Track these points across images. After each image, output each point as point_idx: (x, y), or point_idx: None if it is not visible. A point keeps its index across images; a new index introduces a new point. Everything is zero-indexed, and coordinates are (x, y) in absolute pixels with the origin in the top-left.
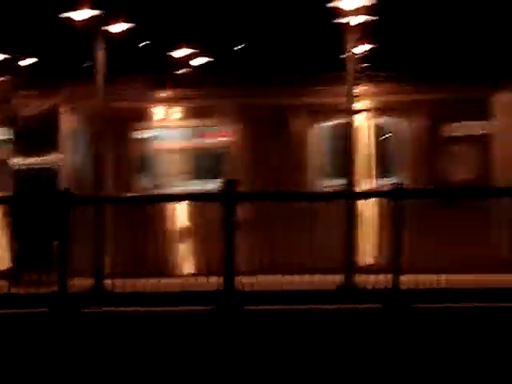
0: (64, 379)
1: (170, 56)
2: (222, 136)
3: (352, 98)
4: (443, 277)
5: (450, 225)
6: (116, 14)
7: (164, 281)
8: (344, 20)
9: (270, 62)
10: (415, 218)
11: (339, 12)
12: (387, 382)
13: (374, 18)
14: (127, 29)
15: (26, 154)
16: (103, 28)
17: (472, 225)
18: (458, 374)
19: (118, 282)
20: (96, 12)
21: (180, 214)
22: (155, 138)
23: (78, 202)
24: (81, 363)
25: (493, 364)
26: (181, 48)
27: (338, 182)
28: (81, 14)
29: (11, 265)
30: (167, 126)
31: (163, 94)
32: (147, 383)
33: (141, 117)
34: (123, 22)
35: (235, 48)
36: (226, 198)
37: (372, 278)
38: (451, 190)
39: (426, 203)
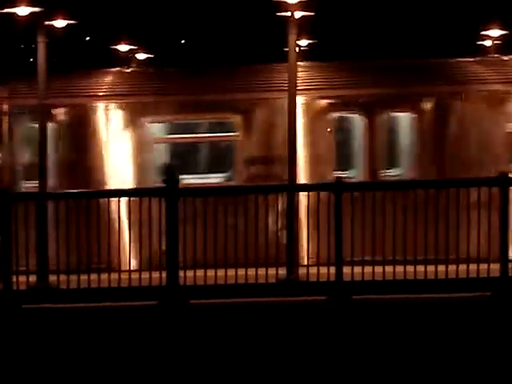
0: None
1: (111, 51)
2: None
3: (294, 91)
4: (386, 269)
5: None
6: (57, 10)
7: (107, 276)
8: (287, 13)
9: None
10: (359, 210)
11: (282, 5)
12: (331, 373)
13: (313, 13)
14: (68, 25)
15: None
16: (45, 23)
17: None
18: (398, 364)
19: (63, 278)
20: (36, 9)
21: (124, 210)
22: None
23: (19, 198)
24: (19, 359)
25: (431, 354)
26: (121, 44)
27: None
28: (21, 11)
29: None
30: None
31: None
32: (88, 379)
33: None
34: (64, 18)
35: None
36: (169, 193)
37: (315, 270)
38: (392, 182)
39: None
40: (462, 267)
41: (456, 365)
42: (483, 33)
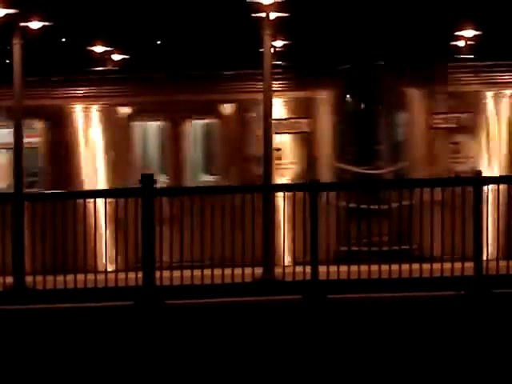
0: None
1: (87, 53)
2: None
3: (270, 93)
4: (357, 268)
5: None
6: (32, 11)
7: (83, 277)
8: (262, 14)
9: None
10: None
11: (257, 7)
12: (306, 371)
13: (287, 14)
14: (43, 26)
15: None
16: (20, 25)
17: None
18: (372, 362)
19: (39, 279)
20: (12, 10)
21: (101, 210)
22: None
23: None
24: None
25: (406, 352)
26: (97, 45)
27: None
28: None
29: None
30: None
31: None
32: (64, 379)
33: None
34: (40, 20)
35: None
36: (145, 192)
37: (291, 270)
38: (368, 181)
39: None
40: (436, 266)
41: (431, 362)
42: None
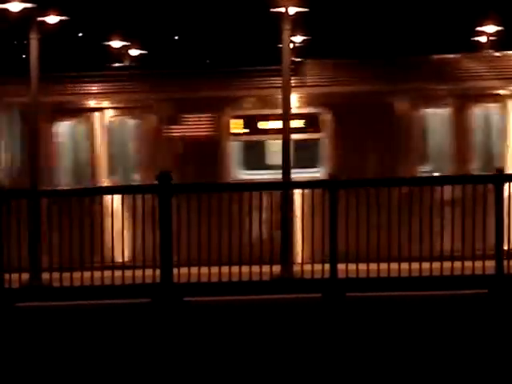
0: None
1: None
2: None
3: (289, 90)
4: (376, 266)
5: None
6: (49, 6)
7: (100, 274)
8: (281, 9)
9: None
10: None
11: (274, 2)
12: (325, 370)
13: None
14: (60, 21)
15: None
16: (37, 20)
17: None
18: (393, 361)
19: (56, 275)
20: (29, 5)
21: (117, 207)
22: None
23: (10, 196)
24: (13, 358)
25: (426, 351)
26: (115, 40)
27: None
28: (14, 6)
29: None
30: None
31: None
32: (83, 377)
33: None
34: (56, 14)
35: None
36: (162, 189)
37: (309, 268)
38: (384, 179)
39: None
40: (457, 264)
41: (451, 362)
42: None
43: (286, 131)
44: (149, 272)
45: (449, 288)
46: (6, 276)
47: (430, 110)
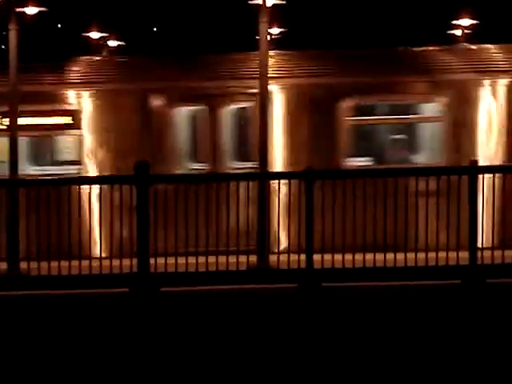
0: None
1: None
2: None
3: (266, 79)
4: (352, 256)
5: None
6: None
7: (78, 263)
8: (258, 1)
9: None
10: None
11: None
12: (301, 359)
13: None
14: (39, 12)
15: None
16: (16, 10)
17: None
18: (366, 350)
19: (34, 265)
20: None
21: (95, 197)
22: None
23: None
24: None
25: (400, 341)
26: (93, 31)
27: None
28: None
29: None
30: None
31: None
32: (59, 367)
33: None
34: (35, 5)
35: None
36: (139, 180)
37: (286, 258)
38: (360, 170)
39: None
40: (432, 255)
41: (422, 351)
42: None
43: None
44: (126, 262)
45: (423, 278)
46: None
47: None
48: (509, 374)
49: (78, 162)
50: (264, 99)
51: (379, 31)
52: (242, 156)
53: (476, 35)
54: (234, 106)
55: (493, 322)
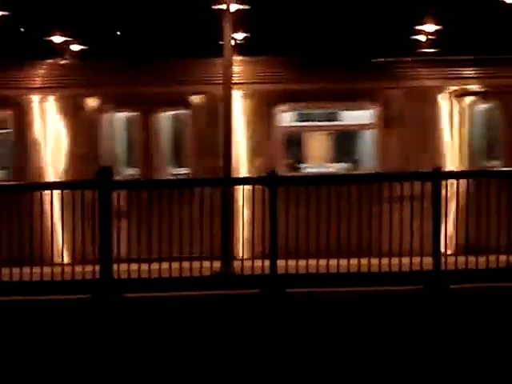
0: None
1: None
2: None
3: (229, 85)
4: (316, 261)
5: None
6: None
7: (39, 270)
8: (222, 6)
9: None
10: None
11: None
12: (264, 365)
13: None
14: (2, 15)
15: None
16: None
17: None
18: (330, 357)
19: None
20: None
21: (57, 202)
22: None
23: None
24: None
25: (364, 347)
26: (56, 35)
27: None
28: None
29: None
30: None
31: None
32: (21, 374)
33: None
34: None
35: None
36: (102, 185)
37: (249, 264)
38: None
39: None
40: (395, 261)
41: (388, 357)
42: None
43: None
44: (89, 268)
45: (387, 284)
46: None
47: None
48: (470, 378)
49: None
50: (228, 104)
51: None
52: (178, 162)
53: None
54: (168, 113)
55: (456, 328)
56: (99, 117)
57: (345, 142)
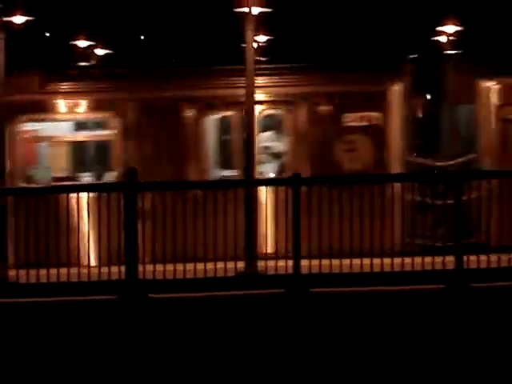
0: None
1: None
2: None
3: (252, 89)
4: (339, 261)
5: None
6: (15, 5)
7: (66, 271)
8: (244, 9)
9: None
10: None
11: (239, 2)
12: (290, 364)
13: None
14: (26, 21)
15: None
16: (3, 19)
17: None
18: (355, 356)
19: (22, 272)
20: None
21: (84, 204)
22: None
23: None
24: None
25: (390, 346)
26: (80, 40)
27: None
28: None
29: None
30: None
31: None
32: (50, 374)
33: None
34: (22, 14)
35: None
36: (128, 187)
37: (273, 263)
38: (350, 176)
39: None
40: (418, 260)
41: (412, 355)
42: None
43: None
44: (115, 269)
45: (409, 283)
46: None
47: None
48: (489, 375)
49: None
50: (251, 106)
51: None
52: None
53: None
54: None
55: (476, 326)
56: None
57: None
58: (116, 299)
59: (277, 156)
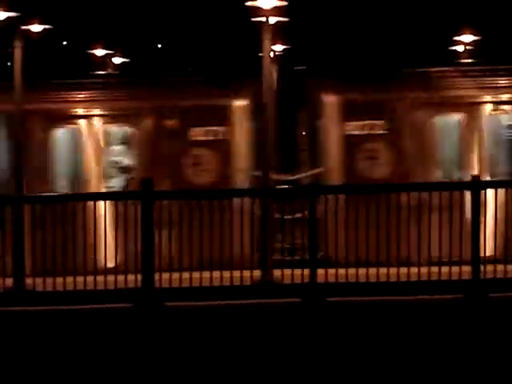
0: None
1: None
2: None
3: (271, 95)
4: (355, 271)
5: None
6: (33, 15)
7: (83, 279)
8: (261, 19)
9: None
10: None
11: (256, 11)
12: (306, 374)
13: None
14: (44, 29)
15: None
16: (21, 28)
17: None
18: (371, 364)
19: (39, 280)
20: (13, 13)
21: (101, 213)
22: None
23: None
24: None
25: (406, 356)
26: (97, 48)
27: None
28: None
29: None
30: None
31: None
32: (62, 381)
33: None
34: (40, 23)
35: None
36: (144, 196)
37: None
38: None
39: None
40: (434, 269)
41: (427, 365)
42: None
43: None
44: (131, 277)
45: (427, 293)
46: None
47: None
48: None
49: None
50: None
51: None
52: None
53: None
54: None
55: (495, 336)
56: None
57: None
58: (132, 307)
59: (125, 170)
